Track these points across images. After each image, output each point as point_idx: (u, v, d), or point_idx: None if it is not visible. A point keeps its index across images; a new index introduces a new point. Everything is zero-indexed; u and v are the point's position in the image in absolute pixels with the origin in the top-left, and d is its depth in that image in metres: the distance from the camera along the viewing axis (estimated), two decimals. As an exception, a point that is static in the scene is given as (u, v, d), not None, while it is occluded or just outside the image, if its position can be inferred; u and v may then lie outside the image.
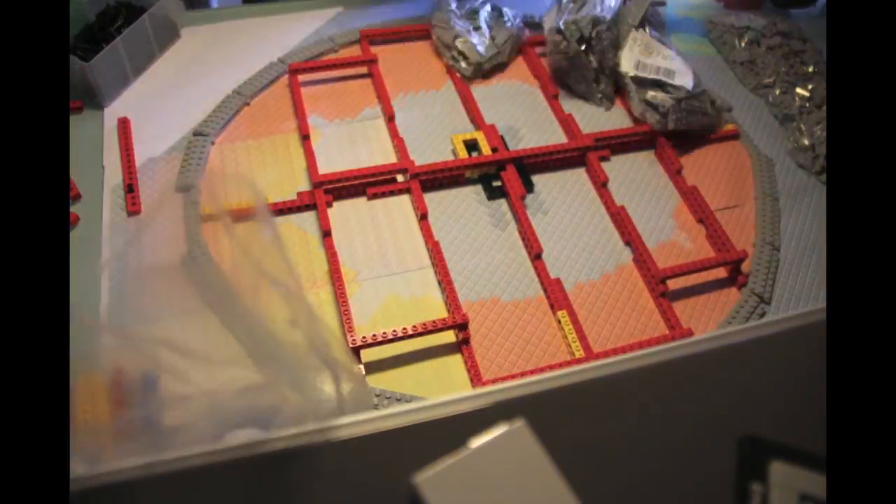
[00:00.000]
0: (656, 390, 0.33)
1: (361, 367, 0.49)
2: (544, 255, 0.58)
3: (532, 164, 0.64)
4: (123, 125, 0.63)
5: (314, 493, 0.29)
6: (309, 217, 0.59)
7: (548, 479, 0.28)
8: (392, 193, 0.61)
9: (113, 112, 0.65)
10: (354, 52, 0.74)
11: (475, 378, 0.49)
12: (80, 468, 0.30)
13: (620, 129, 0.68)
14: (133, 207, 0.57)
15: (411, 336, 0.50)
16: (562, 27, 0.68)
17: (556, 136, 0.68)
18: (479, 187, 0.63)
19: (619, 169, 0.66)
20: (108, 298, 0.51)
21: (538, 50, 0.75)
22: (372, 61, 0.71)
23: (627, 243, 0.60)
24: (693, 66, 0.70)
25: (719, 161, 0.68)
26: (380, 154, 0.64)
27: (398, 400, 0.47)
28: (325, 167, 0.62)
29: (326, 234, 0.57)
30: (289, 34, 0.74)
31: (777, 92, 0.74)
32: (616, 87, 0.72)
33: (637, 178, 0.66)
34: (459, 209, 0.61)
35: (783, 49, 0.77)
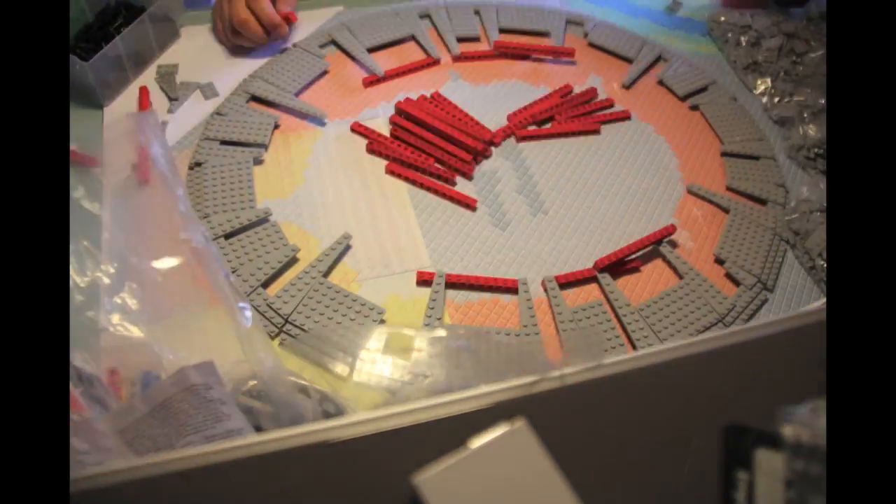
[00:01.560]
0: (656, 390, 0.33)
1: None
2: (545, 255, 0.58)
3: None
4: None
5: (314, 494, 0.29)
6: (310, 217, 0.59)
7: (548, 479, 0.28)
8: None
9: (112, 112, 0.65)
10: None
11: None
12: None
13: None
14: (142, 176, 0.59)
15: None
16: None
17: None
18: (478, 186, 0.63)
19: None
20: (108, 298, 0.51)
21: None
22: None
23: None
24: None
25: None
26: (380, 154, 0.64)
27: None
28: (324, 166, 0.62)
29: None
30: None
31: (776, 91, 0.74)
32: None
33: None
34: (459, 208, 0.61)
35: (785, 49, 0.77)
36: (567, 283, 0.56)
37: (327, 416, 0.43)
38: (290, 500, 0.29)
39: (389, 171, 0.62)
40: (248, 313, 0.49)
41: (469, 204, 0.61)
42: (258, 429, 0.41)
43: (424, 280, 0.55)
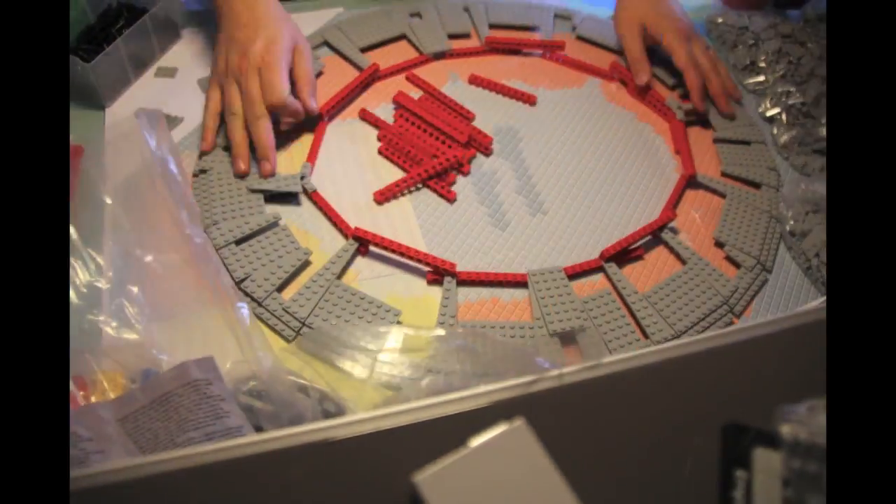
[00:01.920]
0: (656, 389, 0.33)
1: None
2: (541, 253, 0.58)
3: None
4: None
5: (314, 493, 0.29)
6: (311, 218, 0.59)
7: (548, 478, 0.28)
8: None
9: (114, 112, 0.65)
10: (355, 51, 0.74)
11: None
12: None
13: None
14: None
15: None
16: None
17: (555, 136, 0.68)
18: (478, 186, 0.63)
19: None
20: (108, 299, 0.51)
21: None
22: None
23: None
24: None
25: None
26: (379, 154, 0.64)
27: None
28: (325, 166, 0.62)
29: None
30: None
31: (774, 92, 0.74)
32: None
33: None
34: (459, 209, 0.61)
35: (782, 51, 0.77)
36: (574, 274, 0.57)
37: (327, 415, 0.43)
38: (290, 500, 0.29)
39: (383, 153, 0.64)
40: (246, 312, 0.49)
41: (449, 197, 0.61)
42: (258, 428, 0.41)
43: (435, 279, 0.55)
